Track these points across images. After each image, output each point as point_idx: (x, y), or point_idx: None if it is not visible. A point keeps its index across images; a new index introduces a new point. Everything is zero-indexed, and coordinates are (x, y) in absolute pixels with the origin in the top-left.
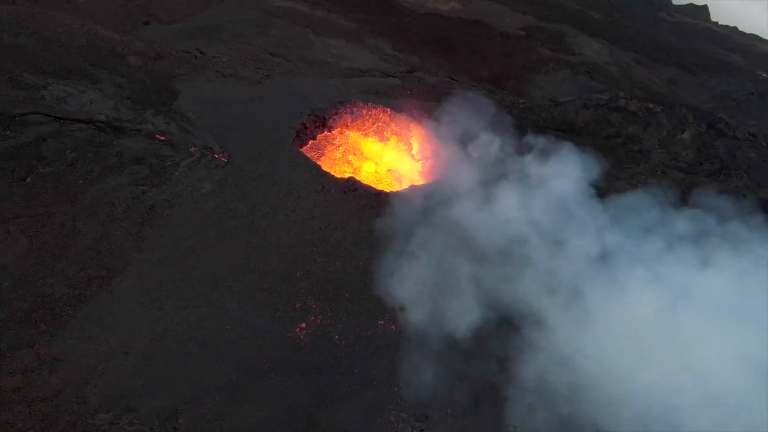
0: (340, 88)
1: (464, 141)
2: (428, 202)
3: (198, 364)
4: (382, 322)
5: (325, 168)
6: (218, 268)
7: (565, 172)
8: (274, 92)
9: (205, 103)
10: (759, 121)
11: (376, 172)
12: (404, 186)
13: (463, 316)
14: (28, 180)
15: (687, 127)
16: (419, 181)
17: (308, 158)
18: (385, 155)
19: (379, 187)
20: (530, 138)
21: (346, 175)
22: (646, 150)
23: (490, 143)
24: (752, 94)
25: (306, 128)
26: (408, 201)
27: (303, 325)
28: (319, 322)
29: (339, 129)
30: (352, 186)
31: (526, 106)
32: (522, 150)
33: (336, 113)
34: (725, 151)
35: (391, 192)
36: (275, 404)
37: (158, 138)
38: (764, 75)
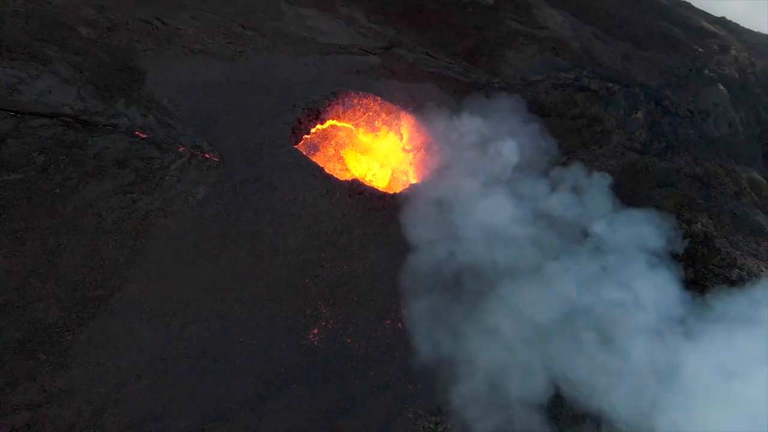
0: (319, 66)
1: (455, 130)
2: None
3: (217, 379)
4: (389, 321)
5: (320, 165)
6: (224, 279)
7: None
8: (250, 73)
9: (178, 87)
10: (695, 97)
11: (369, 168)
12: (397, 179)
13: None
14: None
15: (640, 106)
16: (412, 174)
17: (310, 160)
18: (377, 148)
19: (376, 184)
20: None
21: (340, 171)
22: (607, 131)
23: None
24: (691, 70)
25: (300, 123)
26: (414, 207)
27: (315, 330)
28: (330, 326)
29: (330, 121)
30: (357, 189)
31: (500, 86)
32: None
33: (329, 105)
34: (669, 128)
35: (395, 194)
36: (299, 414)
37: (138, 135)
38: (700, 50)
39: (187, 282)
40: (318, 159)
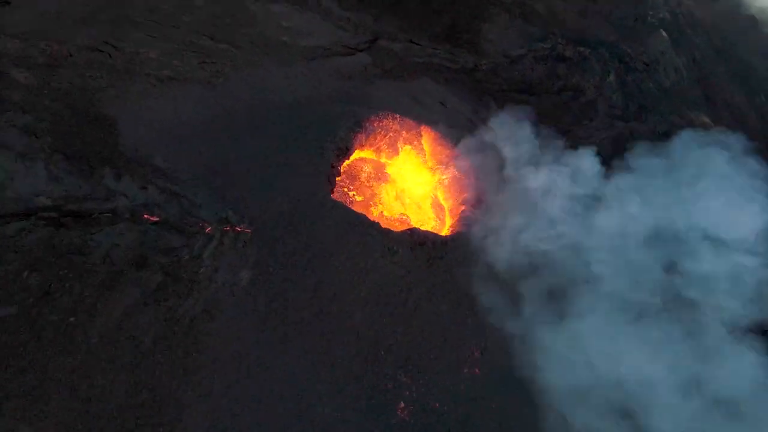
0: (307, 76)
1: (475, 138)
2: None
3: None
4: (466, 369)
5: (372, 219)
6: (297, 374)
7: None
8: (237, 99)
9: (161, 133)
10: (645, 48)
11: (404, 203)
12: (437, 206)
13: None
14: None
15: (610, 69)
16: (441, 196)
17: (360, 215)
18: (405, 173)
19: (418, 216)
20: None
21: (386, 218)
22: (591, 101)
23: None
24: (636, 19)
25: (333, 167)
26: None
27: (402, 404)
28: (415, 395)
29: (355, 153)
30: (418, 240)
31: (488, 68)
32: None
33: (354, 137)
34: (634, 86)
35: (455, 235)
36: None
37: (148, 219)
38: None
39: (257, 388)
40: (358, 207)
